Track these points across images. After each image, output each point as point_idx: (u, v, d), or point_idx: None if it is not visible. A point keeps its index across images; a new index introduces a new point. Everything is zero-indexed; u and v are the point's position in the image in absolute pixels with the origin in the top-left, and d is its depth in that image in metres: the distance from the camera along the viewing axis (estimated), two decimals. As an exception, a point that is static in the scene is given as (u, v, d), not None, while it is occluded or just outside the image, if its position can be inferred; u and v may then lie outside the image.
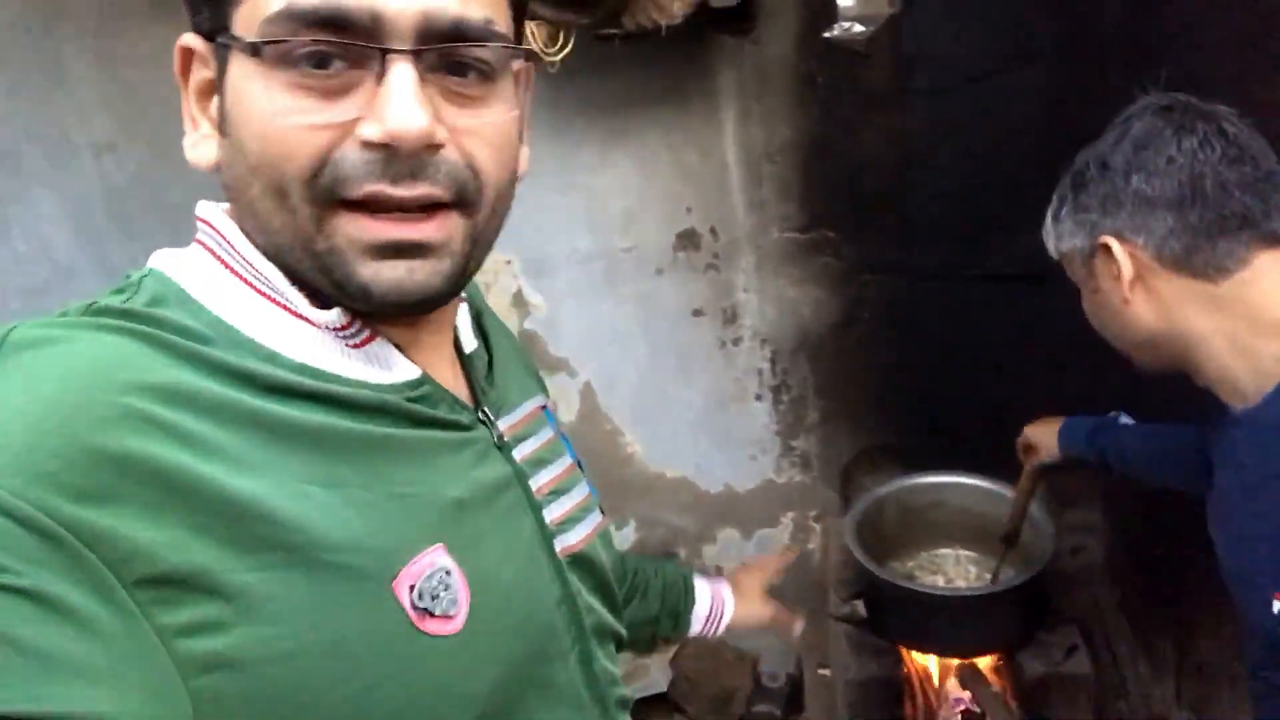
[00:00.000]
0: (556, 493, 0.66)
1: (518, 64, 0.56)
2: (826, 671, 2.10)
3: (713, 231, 1.94)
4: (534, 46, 1.55)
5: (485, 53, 0.51)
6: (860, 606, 1.83)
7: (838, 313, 1.97)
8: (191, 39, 0.54)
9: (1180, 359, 0.84)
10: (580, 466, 0.72)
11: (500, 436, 0.62)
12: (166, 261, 0.54)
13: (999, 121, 1.75)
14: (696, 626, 1.07)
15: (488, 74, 0.52)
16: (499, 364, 0.68)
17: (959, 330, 1.91)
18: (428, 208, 0.51)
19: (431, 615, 0.51)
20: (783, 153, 1.85)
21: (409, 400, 0.55)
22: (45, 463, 0.41)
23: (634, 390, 2.06)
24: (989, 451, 1.82)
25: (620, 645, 0.73)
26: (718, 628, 1.09)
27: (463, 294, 0.63)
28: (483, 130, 0.52)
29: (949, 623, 1.61)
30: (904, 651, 1.72)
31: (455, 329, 0.64)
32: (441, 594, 0.51)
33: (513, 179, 0.57)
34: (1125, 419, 1.33)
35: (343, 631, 0.47)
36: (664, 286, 1.99)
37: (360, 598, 0.48)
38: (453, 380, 0.61)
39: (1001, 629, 1.64)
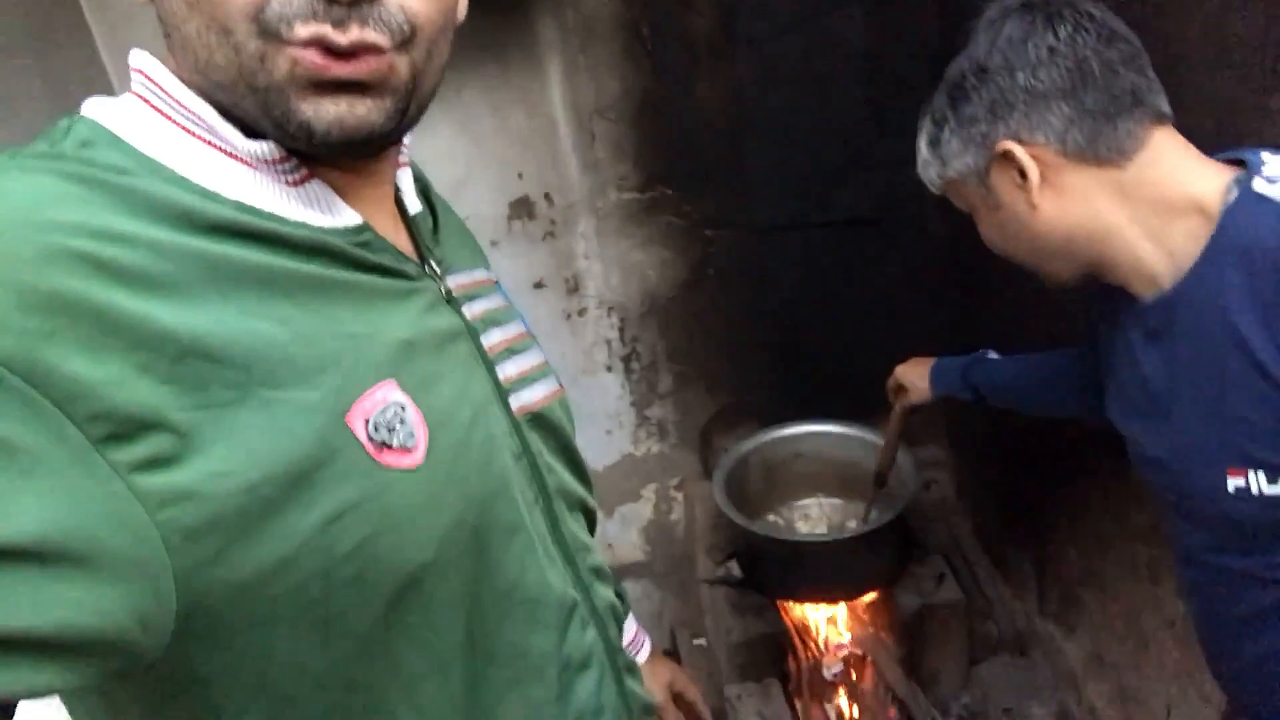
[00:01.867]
0: (510, 352, 0.64)
1: None
2: (702, 641, 2.06)
3: (547, 197, 1.84)
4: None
5: None
6: (734, 567, 1.79)
7: (684, 273, 1.92)
8: None
9: (1093, 258, 0.82)
10: (535, 339, 0.70)
11: (449, 292, 0.60)
12: (97, 108, 0.52)
13: (824, 67, 1.75)
14: None
15: None
16: (445, 230, 0.66)
17: (804, 279, 1.92)
18: (367, 53, 0.50)
19: (389, 448, 0.50)
20: (613, 108, 1.78)
21: (352, 245, 0.54)
22: None
23: (478, 373, 1.93)
24: (843, 396, 1.83)
25: (591, 519, 0.72)
26: None
27: (406, 154, 0.62)
28: None
29: (827, 568, 1.60)
30: (781, 606, 1.70)
31: (399, 190, 0.62)
32: (398, 427, 0.51)
33: (450, 24, 0.56)
34: (993, 355, 1.33)
35: (300, 464, 0.46)
36: (500, 259, 1.86)
37: (314, 430, 0.47)
38: (395, 234, 0.59)
39: (877, 567, 1.65)
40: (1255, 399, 0.70)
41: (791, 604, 1.69)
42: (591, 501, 0.71)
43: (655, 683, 1.01)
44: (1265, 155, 0.73)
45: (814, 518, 1.88)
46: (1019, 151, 0.78)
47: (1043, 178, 0.79)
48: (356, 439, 0.49)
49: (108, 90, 1.50)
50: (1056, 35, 0.76)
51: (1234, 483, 0.73)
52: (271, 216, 0.51)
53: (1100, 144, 0.76)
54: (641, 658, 1.01)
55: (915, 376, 1.42)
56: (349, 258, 0.53)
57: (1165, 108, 0.78)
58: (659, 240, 1.89)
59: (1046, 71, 0.76)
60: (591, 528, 0.73)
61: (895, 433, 1.56)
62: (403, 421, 0.51)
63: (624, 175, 1.83)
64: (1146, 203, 0.77)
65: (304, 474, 0.46)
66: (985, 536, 1.88)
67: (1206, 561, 0.82)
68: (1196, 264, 0.74)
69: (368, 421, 0.49)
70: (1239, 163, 0.76)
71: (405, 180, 0.62)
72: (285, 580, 0.46)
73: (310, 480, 0.46)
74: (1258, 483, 0.71)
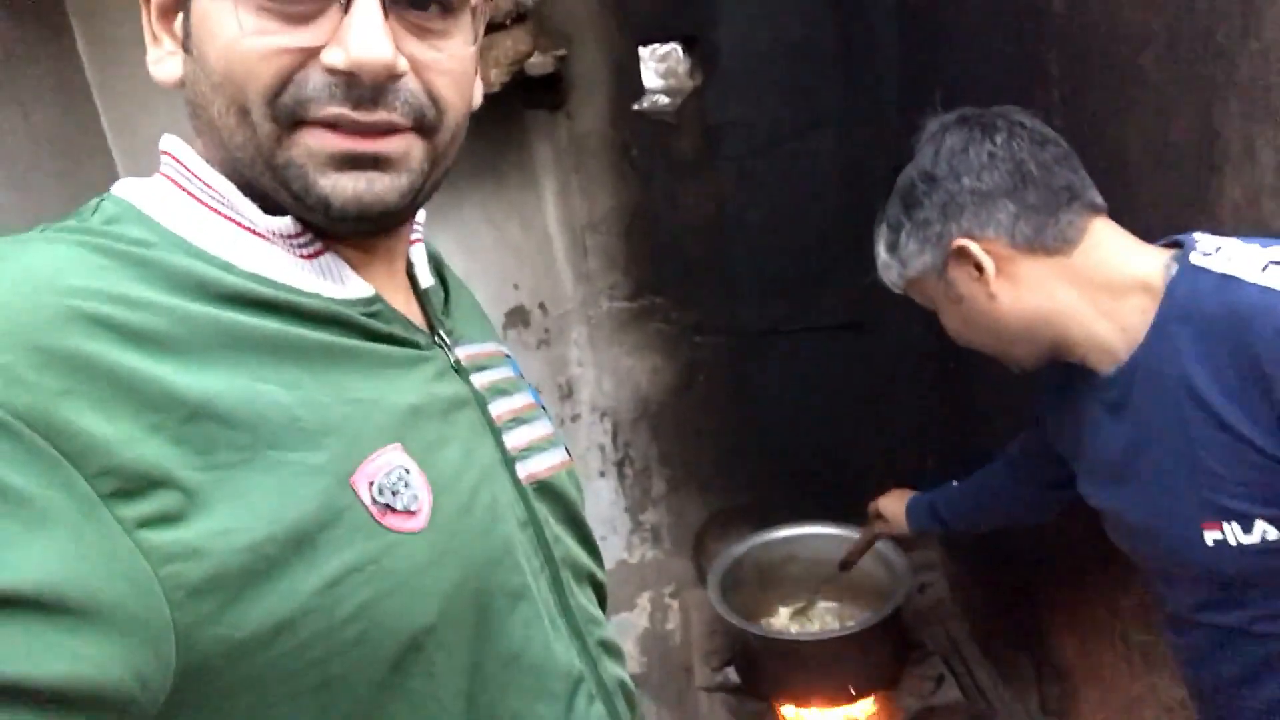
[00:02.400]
0: (517, 421, 0.64)
1: None
2: (701, 757, 2.00)
3: (541, 307, 1.92)
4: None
5: None
6: (732, 673, 1.77)
7: (674, 378, 1.97)
8: None
9: (1053, 340, 0.87)
10: (545, 410, 0.70)
11: (457, 361, 0.61)
12: (127, 188, 0.55)
13: (800, 182, 1.86)
14: None
15: (448, 7, 0.54)
16: (456, 305, 0.68)
17: (791, 383, 1.97)
18: (387, 131, 0.53)
19: (393, 510, 0.50)
20: (605, 222, 1.87)
21: (363, 315, 0.56)
22: None
23: (472, 480, 1.95)
24: (835, 497, 1.86)
25: (601, 593, 0.71)
26: None
27: (419, 230, 0.65)
28: (443, 63, 0.54)
29: (824, 669, 1.58)
30: (779, 713, 1.67)
31: (411, 265, 0.64)
32: (402, 490, 0.51)
33: (469, 110, 0.58)
34: (956, 488, 1.41)
35: (303, 525, 0.47)
36: (496, 367, 1.92)
37: (318, 492, 0.48)
38: (406, 306, 0.61)
39: (874, 668, 1.63)
40: (1219, 452, 0.74)
41: (790, 709, 1.65)
42: (601, 574, 0.70)
43: None
44: (1198, 235, 0.80)
45: (810, 620, 1.86)
46: (973, 247, 0.85)
47: (997, 269, 0.85)
48: (360, 501, 0.49)
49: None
50: (994, 142, 0.84)
51: (1211, 536, 0.76)
52: (285, 287, 0.52)
53: (1046, 234, 0.83)
54: None
55: (893, 510, 1.51)
56: (360, 327, 0.54)
57: (1099, 200, 0.86)
58: (649, 347, 1.95)
59: (989, 174, 0.84)
60: (602, 602, 0.72)
61: (863, 546, 1.64)
62: (406, 485, 0.51)
63: (615, 285, 1.91)
64: (1095, 284, 0.83)
65: (307, 534, 0.46)
66: (983, 637, 1.86)
67: (1195, 621, 0.84)
68: (1149, 334, 0.80)
69: (372, 484, 0.50)
70: (1176, 245, 0.82)
71: (418, 255, 0.64)
72: (286, 641, 0.46)
73: (314, 541, 0.47)
74: (1234, 534, 0.74)
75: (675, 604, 2.10)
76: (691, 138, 1.84)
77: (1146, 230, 0.88)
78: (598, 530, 2.03)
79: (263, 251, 0.54)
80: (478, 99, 0.61)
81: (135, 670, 0.41)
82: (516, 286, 1.90)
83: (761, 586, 1.86)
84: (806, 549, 1.88)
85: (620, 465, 2.02)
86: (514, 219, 1.85)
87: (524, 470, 0.62)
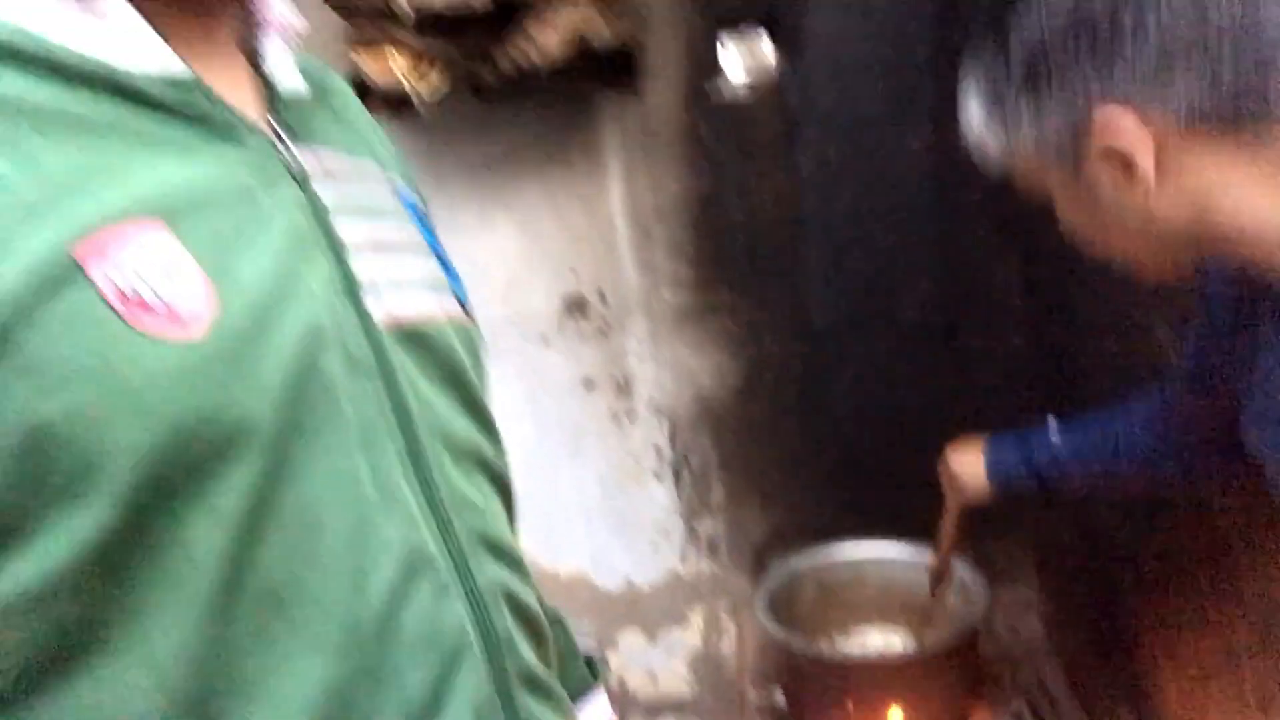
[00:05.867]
0: (380, 249, 0.53)
1: None
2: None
3: (601, 296, 1.84)
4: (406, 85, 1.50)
5: None
6: (779, 694, 1.60)
7: (738, 378, 1.85)
8: None
9: (1218, 244, 0.64)
10: (445, 264, 0.59)
11: (295, 161, 0.50)
12: None
13: (884, 174, 1.74)
14: None
15: None
16: (326, 109, 0.57)
17: (869, 388, 1.82)
18: None
19: (148, 308, 0.40)
20: (672, 211, 1.79)
21: (164, 90, 0.45)
22: None
23: (521, 474, 1.85)
24: (913, 517, 1.68)
25: (502, 487, 0.59)
26: None
27: (281, 21, 0.54)
28: None
29: (876, 695, 1.40)
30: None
31: (259, 54, 0.53)
32: (163, 282, 0.40)
33: None
34: (1054, 429, 1.09)
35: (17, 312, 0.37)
36: (550, 357, 1.85)
37: (26, 259, 0.37)
38: (231, 93, 0.49)
39: (938, 700, 1.43)
40: None
41: (841, 740, 1.48)
42: (499, 465, 0.59)
43: None
44: None
45: (874, 649, 1.68)
46: (1129, 121, 0.62)
47: (1158, 163, 0.62)
48: (91, 282, 0.39)
49: None
50: None
51: None
52: (52, 45, 0.42)
53: (1241, 107, 0.60)
54: None
55: (969, 464, 1.19)
56: (152, 102, 0.44)
57: None
58: (713, 343, 1.84)
59: (1173, 20, 0.60)
60: (507, 502, 0.60)
61: (950, 536, 1.38)
62: (170, 276, 0.41)
63: (679, 276, 1.82)
64: None
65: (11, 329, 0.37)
66: (1078, 682, 1.63)
67: None
68: None
69: (113, 262, 0.39)
70: None
71: (272, 48, 0.54)
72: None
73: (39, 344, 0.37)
74: None
75: (732, 623, 1.95)
76: (767, 124, 1.75)
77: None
78: (649, 537, 1.92)
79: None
80: None
81: None
82: (575, 273, 1.83)
83: (822, 608, 1.70)
84: (877, 570, 1.71)
85: (677, 469, 1.90)
86: (577, 205, 1.80)
87: (379, 307, 0.51)
